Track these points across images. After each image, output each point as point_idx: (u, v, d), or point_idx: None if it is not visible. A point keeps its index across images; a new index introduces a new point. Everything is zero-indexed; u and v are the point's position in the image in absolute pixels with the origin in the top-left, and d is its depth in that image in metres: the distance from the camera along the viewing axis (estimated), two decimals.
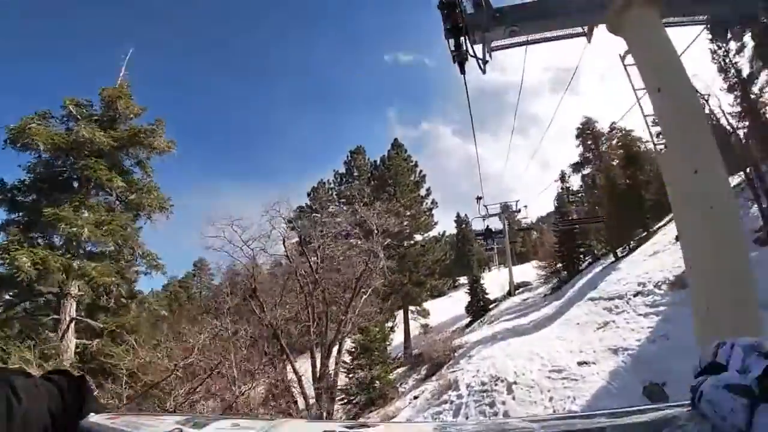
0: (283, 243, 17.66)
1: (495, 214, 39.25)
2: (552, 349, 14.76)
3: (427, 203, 32.27)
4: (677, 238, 21.46)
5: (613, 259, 24.93)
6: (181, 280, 60.01)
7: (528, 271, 55.48)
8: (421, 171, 33.47)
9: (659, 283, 15.72)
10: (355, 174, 34.58)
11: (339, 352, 18.06)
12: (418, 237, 31.54)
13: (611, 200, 26.45)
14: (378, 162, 32.97)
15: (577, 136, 41.54)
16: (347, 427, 0.85)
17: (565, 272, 31.13)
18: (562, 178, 46.83)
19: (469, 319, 35.38)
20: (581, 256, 30.95)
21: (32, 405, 0.83)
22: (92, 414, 0.98)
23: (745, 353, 0.63)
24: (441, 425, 1.12)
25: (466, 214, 75.01)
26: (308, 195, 35.53)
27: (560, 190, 47.31)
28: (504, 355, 15.52)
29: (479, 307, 34.80)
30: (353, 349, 20.00)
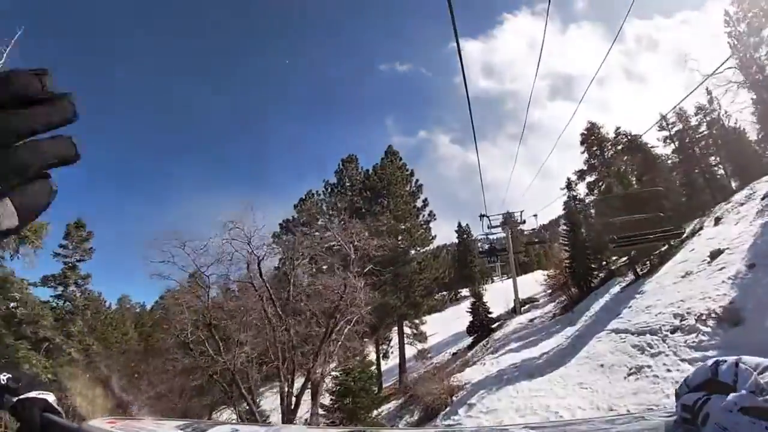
0: (248, 268, 14.73)
1: (497, 225, 36.34)
2: (573, 403, 11.68)
3: (424, 215, 29.30)
4: (713, 257, 18.52)
5: (633, 277, 21.87)
6: (177, 292, 56.96)
7: (532, 283, 52.21)
8: (417, 180, 30.59)
9: (703, 317, 12.61)
10: (347, 185, 31.74)
11: (315, 395, 15.00)
12: (415, 252, 28.54)
13: (628, 210, 23.43)
14: (370, 171, 30.09)
15: (582, 142, 39.44)
16: None
17: (575, 289, 28.07)
18: (569, 185, 44.06)
19: (471, 340, 32.22)
20: (593, 272, 27.85)
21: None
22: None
23: (758, 373, 0.58)
24: (442, 431, 0.46)
25: (467, 224, 72.01)
26: (294, 207, 32.68)
27: (567, 198, 44.72)
28: (512, 408, 12.46)
29: (482, 326, 31.64)
30: (334, 389, 16.93)
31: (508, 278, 78.19)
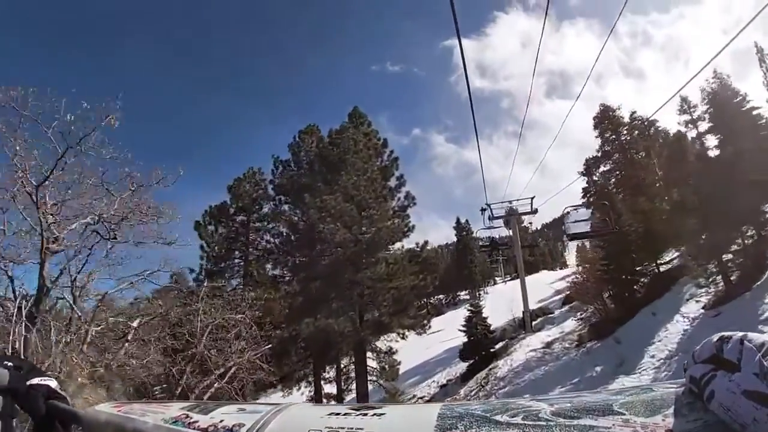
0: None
1: (500, 217, 27.71)
2: None
3: (399, 198, 20.69)
4: None
5: (723, 288, 13.26)
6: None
7: (540, 286, 43.53)
8: (392, 153, 21.77)
9: None
10: (305, 162, 23.14)
11: None
12: (398, 252, 19.90)
13: (705, 184, 14.69)
14: (327, 140, 21.48)
15: (595, 126, 32.29)
16: (354, 409, 0.80)
17: (611, 301, 19.46)
18: (588, 170, 35.71)
19: (465, 367, 23.67)
20: (639, 278, 19.16)
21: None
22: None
23: (762, 354, 0.55)
24: (448, 405, 0.77)
25: (467, 220, 63.51)
26: (228, 190, 24.13)
27: (587, 184, 36.29)
28: None
29: (479, 349, 23.02)
30: None
31: (512, 279, 69.85)
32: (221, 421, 0.85)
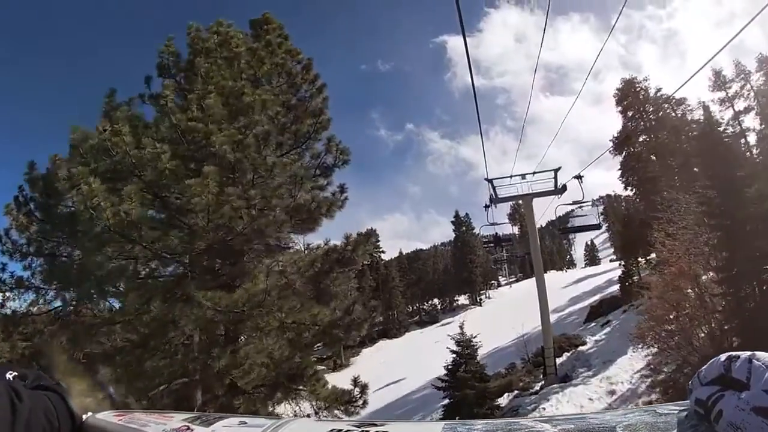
0: None
1: (508, 198, 18.77)
2: None
3: (321, 155, 10.89)
4: None
5: None
6: None
7: (551, 291, 34.49)
8: (316, 77, 12.12)
9: None
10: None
11: None
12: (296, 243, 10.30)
13: None
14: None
15: (618, 102, 28.82)
16: (355, 426, 0.80)
17: (729, 334, 9.79)
18: (624, 141, 26.66)
19: None
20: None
21: (34, 406, 0.79)
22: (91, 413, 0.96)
23: None
24: (450, 424, 0.83)
25: (467, 214, 54.46)
26: (25, 176, 14.28)
27: (624, 158, 27.43)
28: None
29: (467, 410, 13.45)
30: None
31: (517, 281, 60.01)
32: None
